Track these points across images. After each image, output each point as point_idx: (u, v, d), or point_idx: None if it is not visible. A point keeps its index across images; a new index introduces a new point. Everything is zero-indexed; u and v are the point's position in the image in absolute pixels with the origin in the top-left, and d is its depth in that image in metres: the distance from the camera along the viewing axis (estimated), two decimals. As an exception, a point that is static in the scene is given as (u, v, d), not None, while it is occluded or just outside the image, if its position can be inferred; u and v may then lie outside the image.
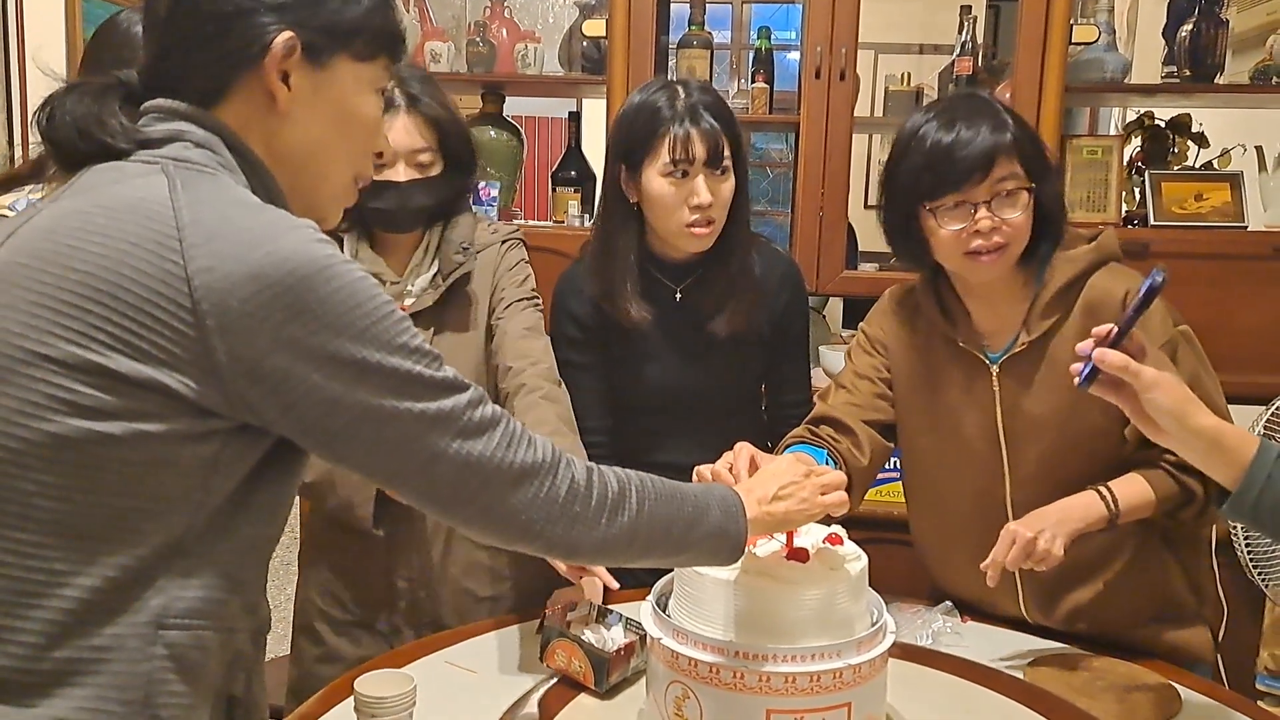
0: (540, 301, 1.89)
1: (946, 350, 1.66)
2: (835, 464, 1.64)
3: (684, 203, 1.75)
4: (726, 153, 1.75)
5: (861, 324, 1.82)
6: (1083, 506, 1.52)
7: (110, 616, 0.88)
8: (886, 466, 1.77)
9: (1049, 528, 1.48)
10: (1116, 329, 1.21)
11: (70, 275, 0.86)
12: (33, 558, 0.86)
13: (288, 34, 0.96)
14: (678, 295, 1.87)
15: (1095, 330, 1.22)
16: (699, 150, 1.73)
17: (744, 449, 1.41)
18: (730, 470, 1.38)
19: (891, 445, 1.75)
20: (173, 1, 0.97)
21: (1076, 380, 1.23)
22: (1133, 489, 1.53)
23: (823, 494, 1.26)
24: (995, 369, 1.61)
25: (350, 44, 1.00)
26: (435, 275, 1.82)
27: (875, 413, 1.72)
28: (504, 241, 1.89)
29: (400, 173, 1.73)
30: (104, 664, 0.88)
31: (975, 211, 1.51)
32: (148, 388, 0.86)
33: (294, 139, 0.99)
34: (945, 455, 1.68)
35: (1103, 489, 1.53)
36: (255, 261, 0.86)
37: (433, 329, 1.81)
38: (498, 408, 0.99)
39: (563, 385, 1.78)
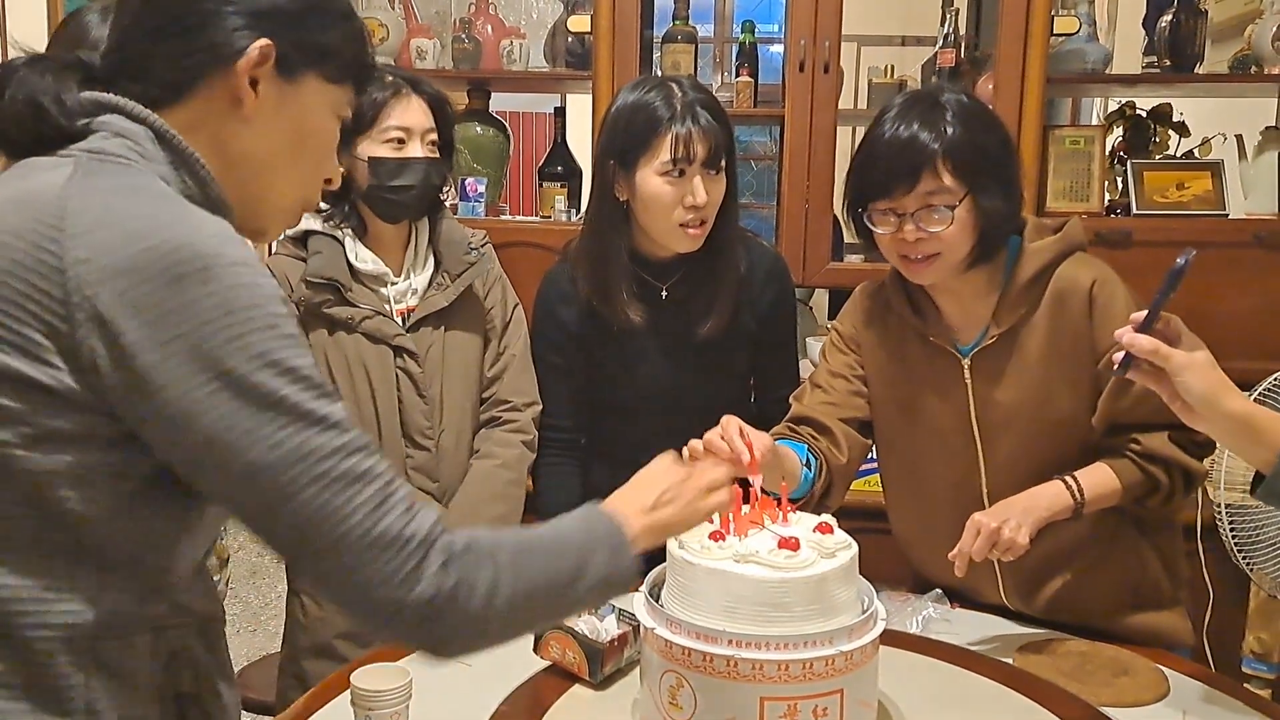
0: (521, 308, 1.96)
1: (918, 345, 1.67)
2: (815, 460, 1.65)
3: (679, 202, 1.74)
4: (723, 152, 1.75)
5: (833, 321, 1.82)
6: (1049, 496, 1.53)
7: (32, 627, 0.86)
8: (870, 456, 1.79)
9: (1014, 517, 1.49)
10: (1146, 314, 1.21)
11: None
12: None
13: (265, 41, 0.94)
14: (664, 294, 1.86)
15: (1133, 316, 1.22)
16: (699, 150, 1.72)
17: (732, 421, 1.39)
18: (722, 438, 1.37)
19: (869, 441, 1.75)
20: None
21: (1114, 367, 1.23)
22: (1098, 478, 1.54)
23: (708, 494, 1.20)
24: (966, 362, 1.61)
25: (323, 64, 0.99)
26: (435, 274, 1.85)
27: (852, 410, 1.73)
28: (484, 245, 1.95)
29: (419, 150, 1.77)
30: (32, 672, 0.86)
31: (903, 221, 1.52)
32: (24, 382, 0.83)
33: (251, 146, 0.97)
34: (921, 448, 1.68)
35: (1068, 478, 1.54)
36: (133, 255, 0.82)
37: (443, 327, 1.84)
38: (382, 465, 0.89)
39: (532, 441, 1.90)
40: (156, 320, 0.82)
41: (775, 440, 1.65)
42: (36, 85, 0.92)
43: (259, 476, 0.84)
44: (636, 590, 1.32)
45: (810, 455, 1.65)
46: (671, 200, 1.74)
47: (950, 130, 1.50)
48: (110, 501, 0.88)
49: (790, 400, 1.78)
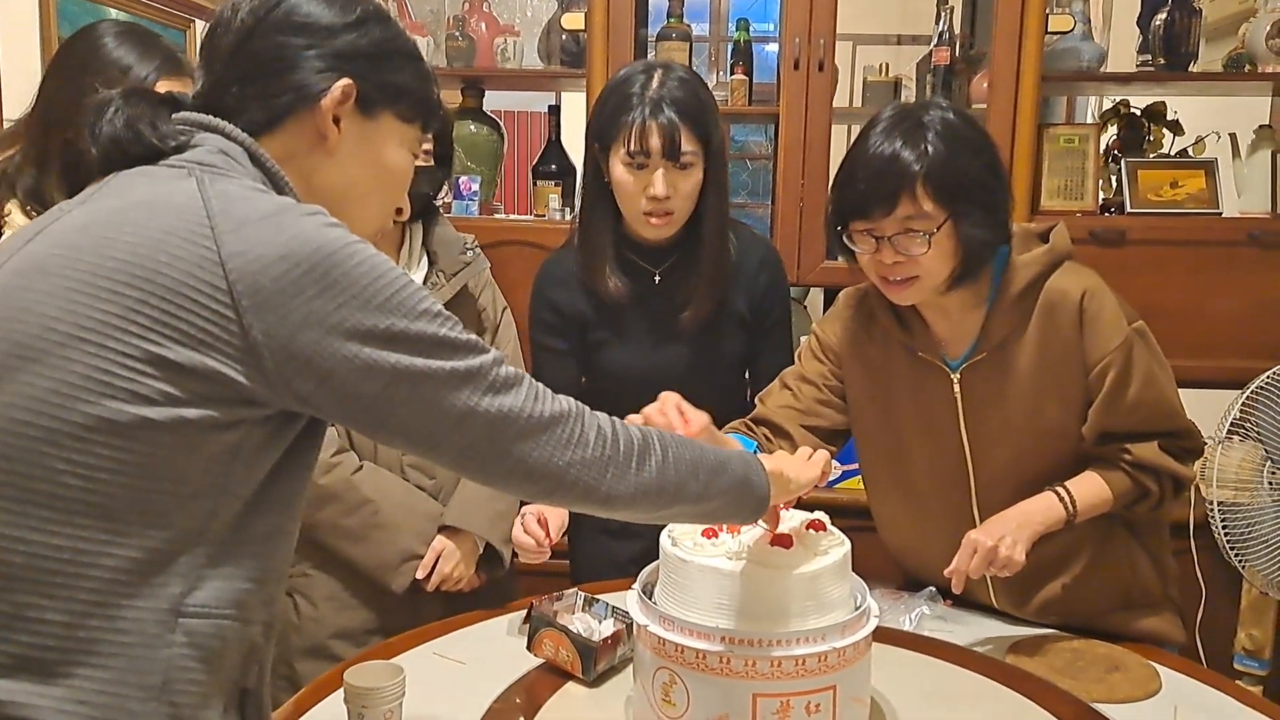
0: (510, 311, 1.99)
1: (904, 358, 1.65)
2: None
3: (641, 192, 1.76)
4: (687, 147, 1.74)
5: (815, 325, 1.81)
6: (1042, 510, 1.53)
7: (132, 600, 0.90)
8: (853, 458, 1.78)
9: (1009, 534, 1.49)
10: None
11: (106, 263, 0.90)
12: (58, 536, 0.88)
13: (347, 81, 1.03)
14: (657, 278, 1.87)
15: None
16: (654, 143, 1.72)
17: (670, 397, 1.41)
18: (661, 412, 1.37)
19: (831, 450, 1.71)
20: (241, 37, 1.03)
21: None
22: (1090, 488, 1.54)
23: (810, 461, 1.31)
24: (956, 377, 1.60)
25: (397, 103, 1.08)
26: (430, 274, 1.86)
27: (815, 418, 1.72)
28: (475, 247, 1.96)
29: None
30: (124, 647, 0.90)
31: (881, 244, 1.50)
32: (191, 372, 0.89)
33: (333, 178, 1.06)
34: (909, 461, 1.67)
35: (1060, 490, 1.54)
36: (283, 243, 0.91)
37: None
38: (517, 368, 1.02)
39: None
40: (315, 298, 0.90)
41: (730, 434, 1.64)
42: (134, 113, 1.01)
43: (446, 401, 0.96)
44: (629, 587, 1.33)
45: (759, 452, 1.64)
46: (634, 189, 1.76)
47: (932, 151, 1.46)
48: (225, 480, 0.93)
49: (756, 399, 1.78)
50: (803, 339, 2.59)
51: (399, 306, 0.94)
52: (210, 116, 1.02)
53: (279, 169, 1.02)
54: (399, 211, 1.15)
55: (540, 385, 1.03)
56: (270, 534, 0.99)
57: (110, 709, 0.89)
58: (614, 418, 1.08)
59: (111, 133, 1.00)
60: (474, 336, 1.00)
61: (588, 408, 1.06)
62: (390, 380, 0.93)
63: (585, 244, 1.86)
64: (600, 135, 1.79)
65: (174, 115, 1.04)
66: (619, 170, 1.77)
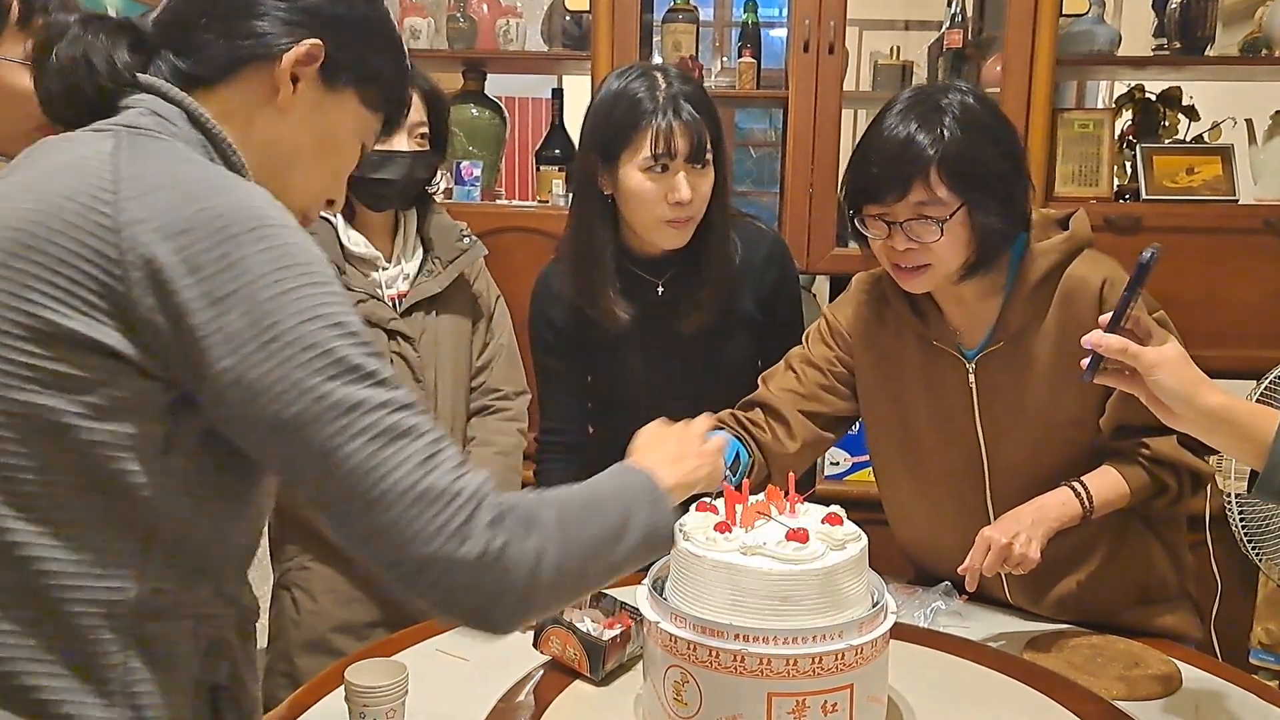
0: (503, 299, 2.00)
1: (918, 346, 1.62)
2: (748, 453, 1.62)
3: (663, 198, 1.68)
4: (708, 145, 1.68)
5: (827, 308, 1.77)
6: (1057, 505, 1.49)
7: (76, 602, 0.86)
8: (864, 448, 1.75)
9: (1024, 530, 1.45)
10: (1113, 313, 1.16)
11: (4, 233, 0.84)
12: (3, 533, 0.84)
13: (315, 41, 0.97)
14: (659, 290, 1.80)
15: (1100, 318, 1.17)
16: (681, 144, 1.65)
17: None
18: None
19: (830, 436, 1.71)
20: None
21: (1082, 373, 1.18)
22: (1106, 483, 1.51)
23: (718, 454, 1.23)
24: (971, 366, 1.57)
25: (365, 85, 1.02)
26: (426, 260, 1.84)
27: (815, 403, 1.68)
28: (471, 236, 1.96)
29: (404, 143, 1.76)
30: (75, 650, 0.86)
31: (894, 229, 1.46)
32: (83, 345, 0.83)
33: (278, 138, 0.99)
34: (921, 451, 1.64)
35: (1077, 485, 1.50)
36: (190, 215, 0.83)
37: (435, 313, 1.84)
38: (429, 421, 0.88)
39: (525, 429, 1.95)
40: (211, 277, 0.82)
41: (717, 430, 1.57)
42: (90, 44, 0.94)
43: (306, 429, 0.83)
44: (639, 583, 1.29)
45: (743, 448, 1.61)
46: (654, 197, 1.68)
47: (948, 136, 1.42)
48: (162, 474, 0.87)
49: (760, 379, 1.74)
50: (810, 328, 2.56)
51: (294, 302, 0.83)
52: (151, 78, 0.95)
53: (220, 130, 0.95)
54: (329, 204, 1.06)
55: (447, 450, 0.87)
56: (219, 530, 0.93)
57: (70, 719, 0.86)
58: (518, 503, 0.90)
59: (61, 66, 0.93)
60: (381, 367, 0.87)
61: (495, 498, 0.88)
62: (257, 391, 0.83)
63: (584, 270, 1.77)
64: (606, 146, 1.69)
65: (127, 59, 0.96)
66: (635, 179, 1.68)
